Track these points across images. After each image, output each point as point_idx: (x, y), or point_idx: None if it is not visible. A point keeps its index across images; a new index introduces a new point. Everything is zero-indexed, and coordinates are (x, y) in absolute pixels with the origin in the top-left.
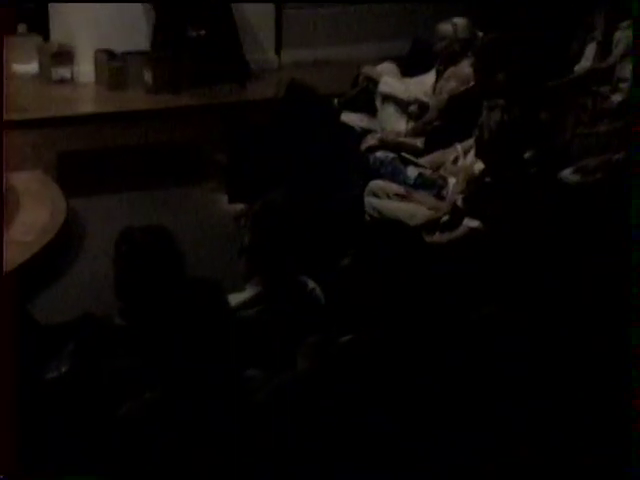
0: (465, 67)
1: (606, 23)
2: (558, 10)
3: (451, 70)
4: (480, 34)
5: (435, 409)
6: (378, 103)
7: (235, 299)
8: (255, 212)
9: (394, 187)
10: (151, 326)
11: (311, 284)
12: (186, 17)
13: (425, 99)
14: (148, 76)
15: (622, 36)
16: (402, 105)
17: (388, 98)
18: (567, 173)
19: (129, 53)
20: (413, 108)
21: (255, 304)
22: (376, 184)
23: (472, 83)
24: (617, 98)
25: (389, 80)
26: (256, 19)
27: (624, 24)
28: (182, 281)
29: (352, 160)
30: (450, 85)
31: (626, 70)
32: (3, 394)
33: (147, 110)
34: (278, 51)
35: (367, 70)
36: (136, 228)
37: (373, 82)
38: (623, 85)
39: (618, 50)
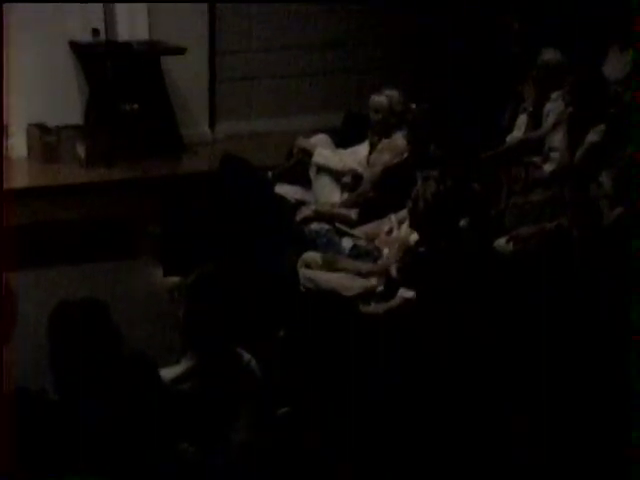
0: (398, 139)
1: (536, 94)
2: (490, 81)
3: (385, 142)
4: (413, 106)
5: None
6: (312, 174)
7: (170, 373)
8: (189, 285)
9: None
10: (85, 401)
11: (247, 356)
12: (119, 91)
13: (359, 169)
14: (81, 150)
15: (552, 107)
16: (336, 176)
17: (322, 169)
18: (501, 242)
19: (62, 127)
20: (347, 179)
21: (190, 378)
22: (311, 256)
23: (406, 155)
24: (548, 168)
25: (323, 151)
26: (189, 92)
27: (554, 95)
28: (117, 356)
29: (287, 232)
30: (384, 157)
31: (556, 140)
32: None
33: (81, 184)
34: (212, 124)
35: (301, 142)
36: (71, 302)
37: (307, 154)
38: (554, 155)
39: (549, 121)
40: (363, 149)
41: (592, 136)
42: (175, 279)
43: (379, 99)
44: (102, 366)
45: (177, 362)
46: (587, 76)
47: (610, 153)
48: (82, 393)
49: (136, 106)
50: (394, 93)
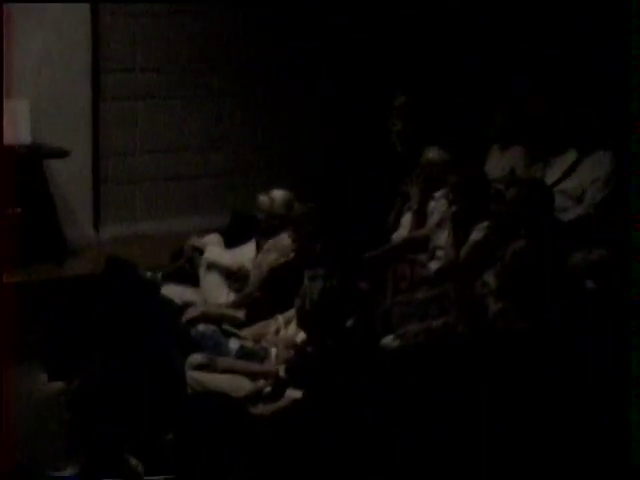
0: (284, 239)
1: (421, 193)
2: (375, 180)
3: (270, 242)
4: (297, 205)
5: None
6: (202, 273)
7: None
8: (73, 391)
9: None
10: None
11: (133, 461)
12: (2, 196)
13: (249, 267)
14: None
15: (436, 205)
16: (226, 275)
17: (212, 267)
18: (388, 340)
19: None
20: (234, 284)
21: None
22: (198, 358)
23: (292, 254)
24: (434, 265)
25: (215, 249)
26: (73, 195)
27: (438, 194)
28: None
29: (173, 334)
30: (270, 257)
31: (441, 238)
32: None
33: None
34: (96, 226)
35: (193, 240)
36: None
37: (199, 252)
38: (439, 253)
39: (433, 219)
40: (250, 249)
41: (476, 234)
42: (60, 384)
43: (263, 199)
44: None
45: (63, 468)
46: (469, 175)
47: (494, 250)
48: None
49: (19, 210)
50: (279, 193)
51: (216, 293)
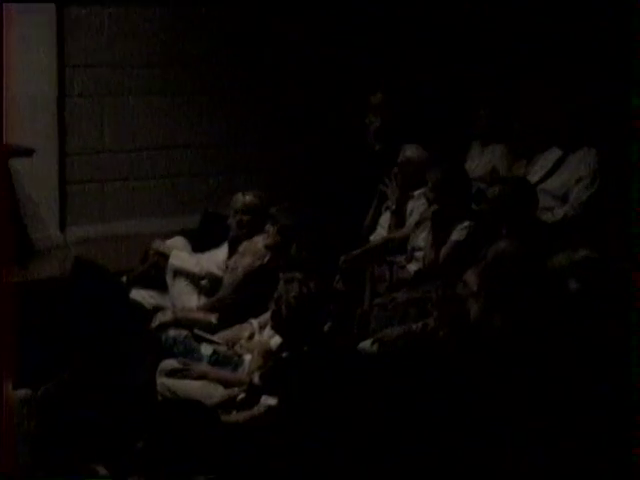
0: (259, 241)
1: (399, 192)
2: (352, 179)
3: (245, 244)
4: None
5: None
6: (169, 278)
7: None
8: (39, 398)
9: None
10: None
11: (102, 470)
12: None
13: (218, 273)
14: None
15: (415, 205)
16: (194, 279)
17: (179, 272)
18: (366, 344)
19: None
20: (205, 282)
21: None
22: (170, 363)
23: (267, 258)
24: (413, 267)
25: (180, 254)
26: (38, 195)
27: (417, 193)
28: None
29: (143, 339)
30: (245, 260)
31: (420, 239)
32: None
33: None
34: (63, 228)
35: (157, 244)
36: None
37: (163, 256)
38: (418, 254)
39: (412, 219)
40: (222, 252)
41: (456, 234)
42: (25, 392)
43: (238, 196)
44: None
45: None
46: (449, 173)
47: (475, 251)
48: None
49: None
50: (254, 191)
51: (186, 298)
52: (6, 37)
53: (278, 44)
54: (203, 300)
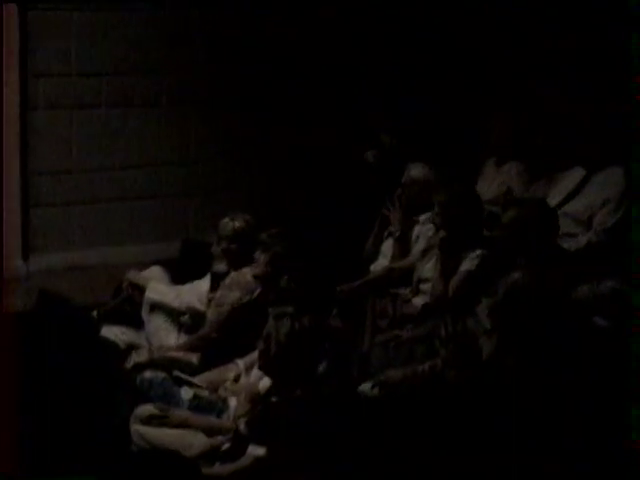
0: (247, 273)
1: (403, 216)
2: (350, 202)
3: (232, 276)
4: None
5: None
6: (145, 314)
7: None
8: None
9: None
10: None
11: None
12: None
13: (200, 307)
14: None
15: (421, 231)
16: (173, 315)
17: (157, 307)
18: (366, 387)
19: None
20: (185, 318)
21: None
22: (147, 409)
23: (257, 293)
24: (419, 301)
25: (157, 286)
26: None
27: (423, 217)
28: None
29: (115, 382)
30: (233, 295)
31: (427, 269)
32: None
33: None
34: (26, 257)
35: (131, 276)
36: None
37: (139, 289)
38: (425, 286)
39: (418, 246)
40: (204, 284)
41: (467, 264)
42: None
43: (226, 222)
44: None
45: None
46: (459, 195)
47: (487, 283)
48: None
49: None
50: (243, 216)
51: (164, 335)
52: None
53: (265, 57)
54: (183, 338)
